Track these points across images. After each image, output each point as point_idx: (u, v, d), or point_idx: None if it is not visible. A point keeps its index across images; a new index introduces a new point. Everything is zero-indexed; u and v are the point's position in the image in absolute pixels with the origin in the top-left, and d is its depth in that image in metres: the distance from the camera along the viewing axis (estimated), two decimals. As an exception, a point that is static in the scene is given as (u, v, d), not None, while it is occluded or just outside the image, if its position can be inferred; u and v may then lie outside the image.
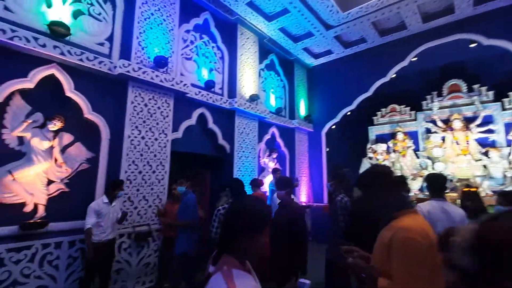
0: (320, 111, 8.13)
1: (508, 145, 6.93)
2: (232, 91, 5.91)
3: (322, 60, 8.11)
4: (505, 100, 7.10)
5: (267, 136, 6.82)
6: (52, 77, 3.51)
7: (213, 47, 5.76)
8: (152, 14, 4.43)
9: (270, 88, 7.29)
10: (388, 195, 1.34)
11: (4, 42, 3.05)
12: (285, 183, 3.05)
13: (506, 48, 5.60)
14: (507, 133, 6.97)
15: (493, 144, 7.15)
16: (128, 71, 3.89)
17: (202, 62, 5.46)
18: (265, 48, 7.12)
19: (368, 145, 9.05)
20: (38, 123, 3.44)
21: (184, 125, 4.90)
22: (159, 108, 4.37)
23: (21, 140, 3.33)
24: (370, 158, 8.83)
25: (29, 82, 3.31)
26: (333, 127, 7.96)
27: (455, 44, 6.40)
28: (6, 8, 3.21)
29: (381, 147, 8.71)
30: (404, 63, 6.84)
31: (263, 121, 6.62)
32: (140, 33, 4.24)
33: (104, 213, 3.36)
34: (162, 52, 4.47)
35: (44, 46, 3.29)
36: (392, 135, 8.67)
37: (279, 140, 7.22)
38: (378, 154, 8.77)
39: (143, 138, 4.11)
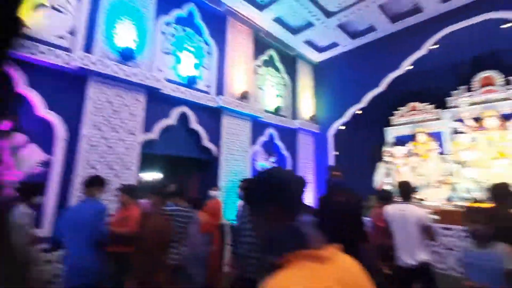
0: (327, 110, 7.33)
1: (559, 146, 5.69)
2: (221, 89, 5.40)
3: (327, 54, 7.36)
4: (553, 92, 5.88)
5: (263, 138, 6.19)
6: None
7: (199, 41, 5.32)
8: (123, 4, 4.10)
9: (269, 85, 6.68)
10: (271, 221, 0.71)
11: None
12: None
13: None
14: (557, 131, 5.73)
15: (538, 145, 5.92)
16: (86, 64, 3.53)
17: (185, 57, 5.03)
18: (262, 43, 6.56)
19: (385, 148, 8.07)
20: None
21: (160, 125, 4.45)
22: (126, 105, 3.96)
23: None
24: (387, 162, 7.85)
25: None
26: (342, 127, 7.12)
27: (484, 26, 5.36)
28: None
29: (400, 150, 7.71)
30: (422, 51, 5.90)
31: (258, 121, 6.01)
32: (106, 24, 3.92)
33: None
34: (137, 46, 4.09)
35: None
36: (413, 137, 7.63)
37: (278, 142, 6.56)
38: (396, 158, 7.77)
39: (105, 138, 3.71)
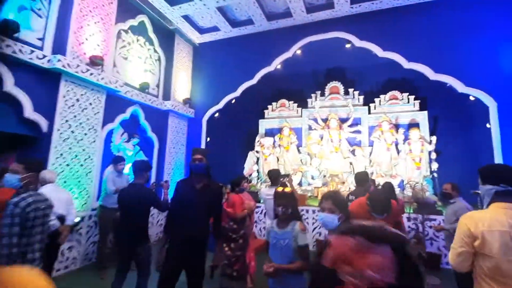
0: (203, 95, 7.11)
1: (370, 145, 7.60)
2: (62, 46, 4.19)
3: (208, 37, 7.11)
4: (372, 105, 7.77)
5: (124, 116, 5.35)
6: None
7: (29, -25, 3.93)
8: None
9: (136, 57, 5.80)
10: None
11: None
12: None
13: (373, 51, 5.81)
14: (370, 134, 7.63)
15: (359, 144, 7.73)
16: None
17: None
18: (131, 5, 5.60)
19: (257, 138, 8.70)
20: None
21: None
22: None
23: None
24: (257, 152, 8.50)
25: None
26: (216, 115, 7.10)
27: (338, 43, 6.41)
28: None
29: (269, 141, 8.47)
30: (289, 54, 6.51)
31: (117, 96, 5.12)
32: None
33: None
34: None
35: None
36: (280, 130, 8.54)
37: (144, 122, 5.85)
38: (265, 147, 8.50)
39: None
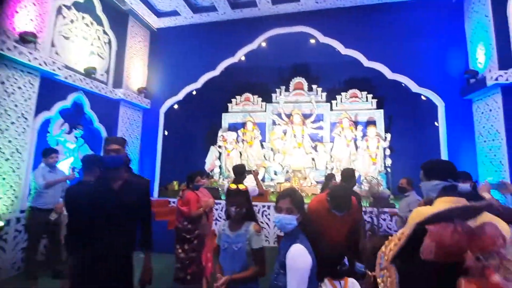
0: (161, 85, 6.57)
1: (331, 141, 7.78)
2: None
3: (167, 22, 6.58)
4: (334, 102, 7.93)
5: (64, 103, 4.68)
6: None
7: None
8: None
9: (80, 37, 5.11)
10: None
11: None
12: None
13: (336, 48, 5.84)
14: (331, 131, 7.80)
15: (321, 140, 7.87)
16: None
17: None
18: (75, -23, 4.90)
19: (220, 133, 8.40)
20: None
21: None
22: None
23: None
24: (220, 146, 8.20)
25: None
26: (176, 106, 6.63)
27: (302, 37, 6.33)
28: None
29: (232, 135, 8.23)
30: (253, 45, 6.29)
31: (55, 80, 4.45)
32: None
33: None
34: None
35: None
36: (243, 125, 8.34)
37: (90, 111, 5.21)
38: (228, 142, 8.24)
39: None
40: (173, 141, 6.72)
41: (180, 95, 6.31)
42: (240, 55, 6.20)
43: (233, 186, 1.90)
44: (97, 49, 5.47)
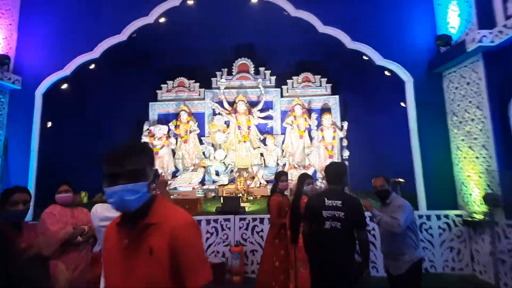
0: (36, 53, 4.47)
1: (283, 133, 6.60)
2: None
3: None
4: (284, 87, 6.76)
5: None
6: None
7: None
8: None
9: None
10: None
11: None
12: None
13: (285, 9, 4.53)
14: (282, 120, 6.61)
15: (270, 131, 6.62)
16: None
17: None
18: None
19: (145, 126, 6.56)
20: None
21: None
22: None
23: None
24: (146, 143, 6.36)
25: None
26: (64, 86, 4.61)
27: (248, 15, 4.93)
28: None
29: (162, 129, 6.47)
30: (176, 2, 4.59)
31: None
32: None
33: None
34: None
35: None
36: (177, 116, 6.65)
37: None
38: (155, 138, 6.46)
39: None
40: (65, 136, 4.70)
41: (69, 69, 4.32)
42: (156, 14, 4.47)
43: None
44: None
